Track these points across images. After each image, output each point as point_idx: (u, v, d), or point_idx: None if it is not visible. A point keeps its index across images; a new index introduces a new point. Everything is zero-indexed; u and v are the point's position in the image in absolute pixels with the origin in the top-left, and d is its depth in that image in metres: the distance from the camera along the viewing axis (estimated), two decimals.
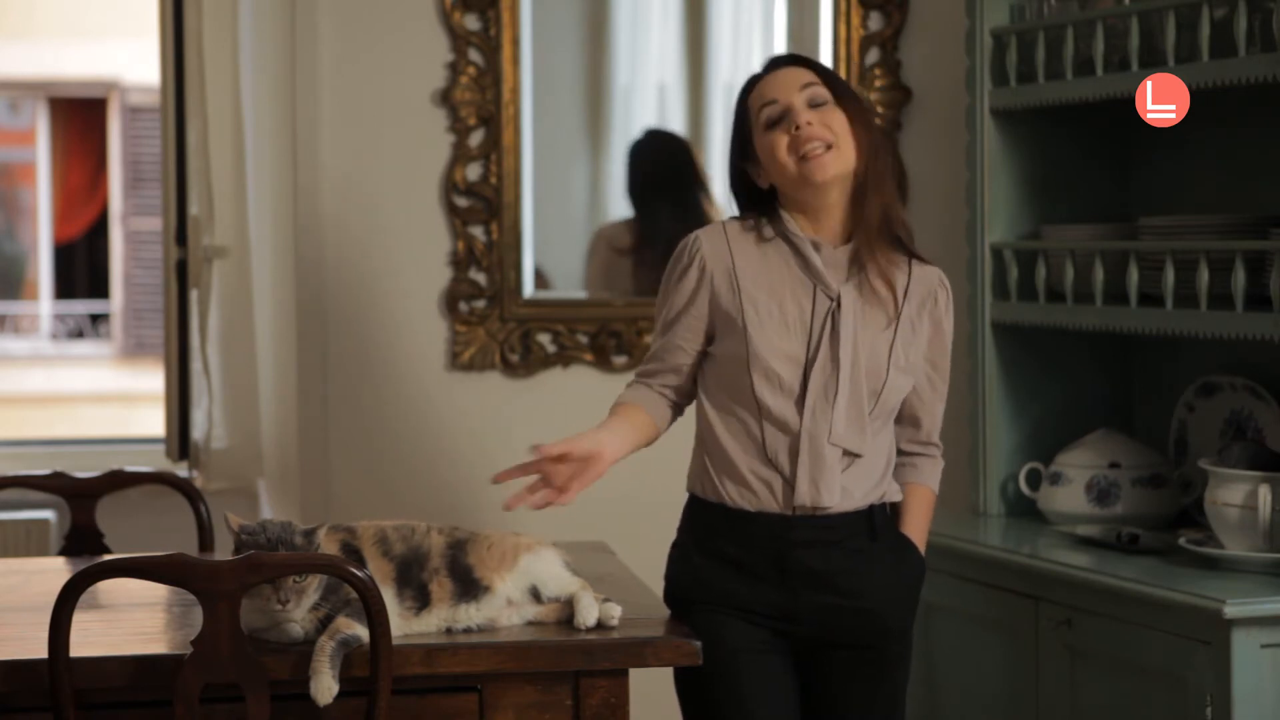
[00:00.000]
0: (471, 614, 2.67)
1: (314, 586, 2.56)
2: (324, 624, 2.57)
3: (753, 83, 2.87)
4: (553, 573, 2.73)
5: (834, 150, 2.78)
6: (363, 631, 2.54)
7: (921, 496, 2.94)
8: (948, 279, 2.91)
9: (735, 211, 2.96)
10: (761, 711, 2.79)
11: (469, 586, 2.67)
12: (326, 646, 2.52)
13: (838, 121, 2.79)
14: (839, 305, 2.78)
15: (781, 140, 2.80)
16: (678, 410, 2.94)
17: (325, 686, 2.49)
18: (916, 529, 2.91)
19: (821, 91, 2.81)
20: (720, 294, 2.83)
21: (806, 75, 2.83)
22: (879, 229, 2.81)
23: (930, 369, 2.89)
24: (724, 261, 2.84)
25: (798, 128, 2.78)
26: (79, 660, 2.49)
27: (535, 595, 2.72)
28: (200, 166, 4.23)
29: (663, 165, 4.48)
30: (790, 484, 2.78)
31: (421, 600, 2.65)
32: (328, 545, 2.64)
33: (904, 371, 2.83)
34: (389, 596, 2.63)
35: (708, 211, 4.43)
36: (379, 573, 2.63)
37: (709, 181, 4.45)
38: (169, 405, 4.35)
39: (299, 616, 2.56)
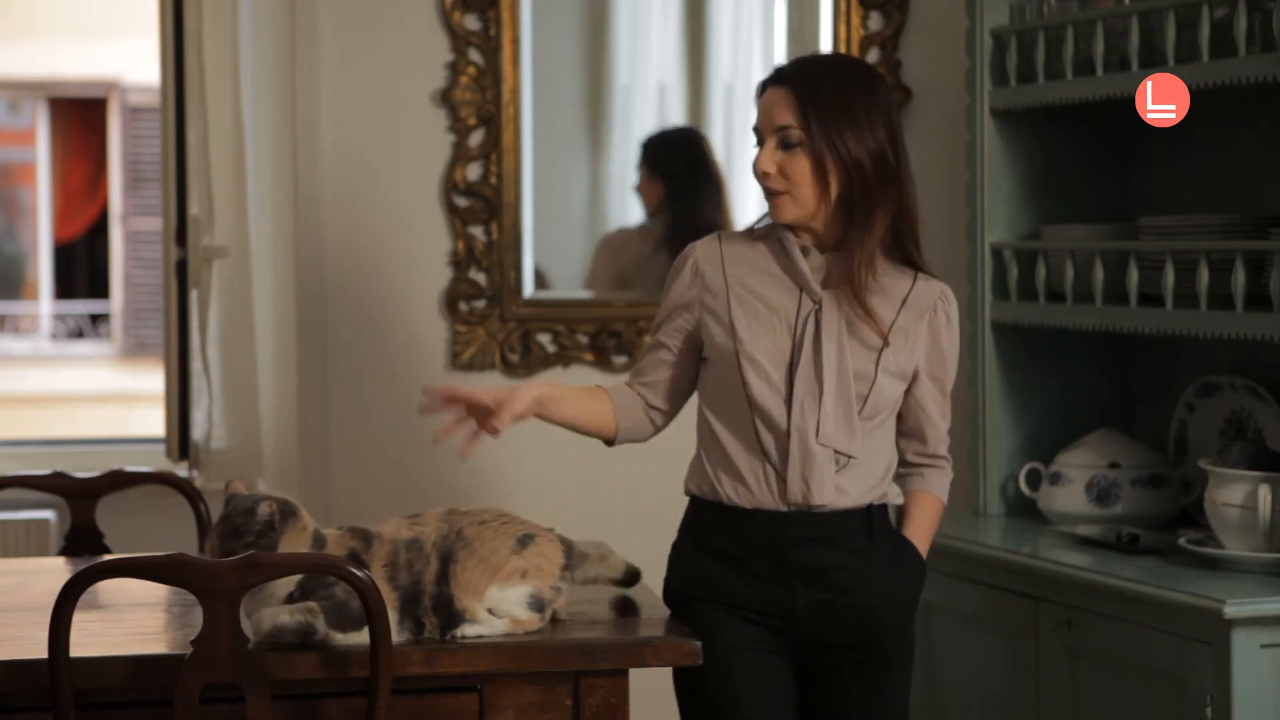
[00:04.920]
0: (456, 636, 2.66)
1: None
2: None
3: (760, 89, 2.85)
4: (507, 610, 2.71)
5: (789, 197, 2.78)
6: (321, 627, 2.55)
7: (927, 503, 2.93)
8: (953, 295, 2.90)
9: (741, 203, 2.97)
10: (758, 710, 2.79)
11: (451, 618, 2.65)
12: (281, 614, 2.53)
13: (800, 169, 2.77)
14: (821, 308, 2.79)
15: (757, 165, 2.82)
16: (655, 416, 2.93)
17: (260, 629, 2.54)
18: (919, 534, 2.91)
19: (793, 134, 2.76)
20: (711, 292, 2.84)
21: (785, 111, 2.77)
22: (867, 262, 2.78)
23: (931, 382, 2.88)
24: (715, 261, 2.86)
25: (755, 172, 2.80)
26: (79, 660, 2.49)
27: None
28: (200, 166, 4.23)
29: (679, 160, 4.48)
30: (784, 480, 2.78)
31: (416, 632, 2.64)
32: (336, 548, 2.63)
33: (894, 376, 2.83)
34: (392, 622, 2.62)
35: (724, 204, 4.44)
36: (386, 599, 2.62)
37: (722, 174, 4.46)
38: (169, 405, 4.35)
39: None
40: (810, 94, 2.77)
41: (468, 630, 2.65)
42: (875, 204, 2.78)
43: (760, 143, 2.82)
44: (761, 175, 2.79)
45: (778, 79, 2.82)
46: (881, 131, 2.78)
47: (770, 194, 2.80)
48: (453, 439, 2.83)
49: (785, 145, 2.78)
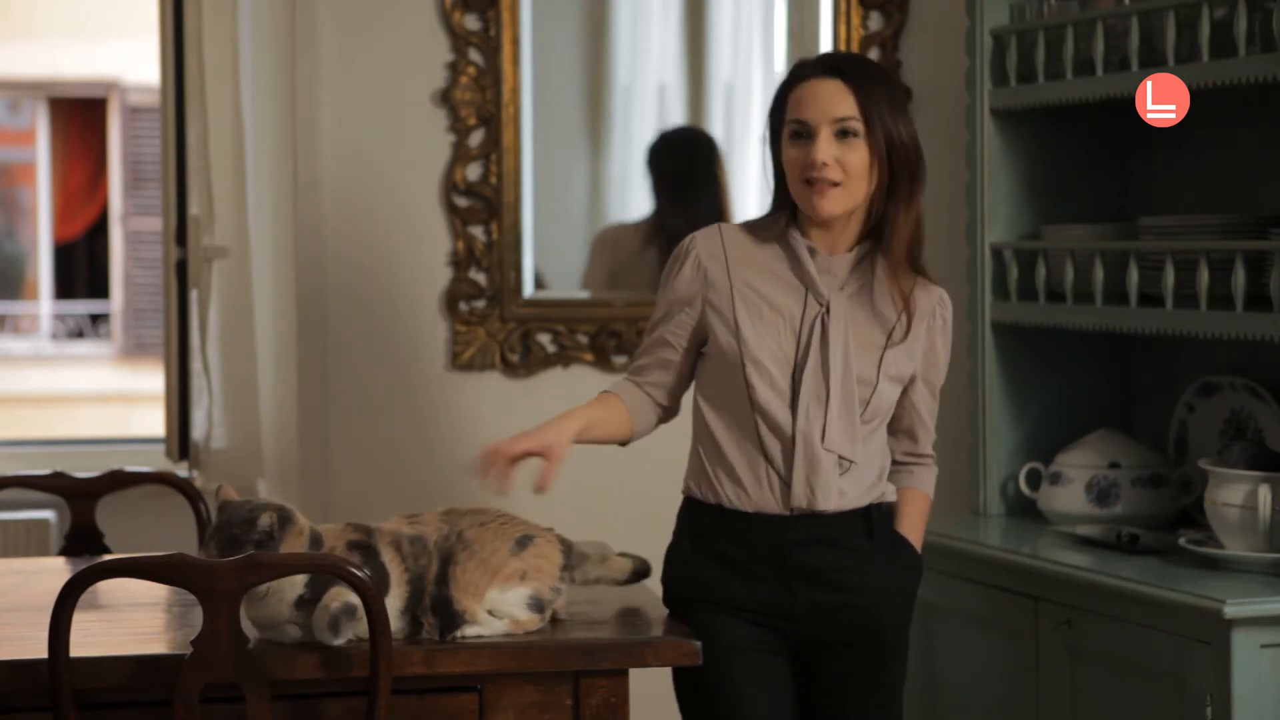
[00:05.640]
0: (455, 638, 2.66)
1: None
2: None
3: (794, 81, 2.82)
4: (507, 611, 2.71)
5: (841, 189, 2.77)
6: (355, 599, 2.54)
7: (918, 500, 2.95)
8: (949, 299, 2.91)
9: (742, 207, 2.95)
10: (758, 711, 2.79)
11: (451, 619, 2.65)
12: (324, 617, 2.52)
13: (857, 159, 2.76)
14: (828, 311, 2.79)
15: (798, 159, 2.78)
16: (663, 414, 2.93)
17: (322, 632, 2.54)
18: (912, 530, 2.92)
19: (854, 124, 2.76)
20: (715, 288, 2.83)
21: (844, 102, 2.76)
22: (903, 255, 2.80)
23: (925, 386, 2.90)
24: (718, 259, 2.84)
25: (813, 164, 2.76)
26: (79, 660, 2.49)
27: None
28: (200, 166, 4.23)
29: (687, 161, 4.48)
30: (787, 484, 2.78)
31: (415, 630, 2.64)
32: (334, 540, 2.63)
33: (894, 381, 2.84)
34: (397, 604, 2.62)
35: (725, 206, 4.43)
36: (396, 578, 2.62)
37: (724, 173, 4.46)
38: (169, 405, 4.35)
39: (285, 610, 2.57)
40: (868, 86, 2.77)
41: (467, 631, 2.65)
42: (915, 196, 2.81)
43: (801, 135, 2.78)
44: (820, 166, 2.75)
45: (829, 70, 2.79)
46: (913, 127, 2.82)
47: (818, 186, 2.76)
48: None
49: (844, 135, 2.76)
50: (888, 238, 2.80)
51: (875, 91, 2.77)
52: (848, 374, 2.78)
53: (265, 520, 2.58)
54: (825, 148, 2.76)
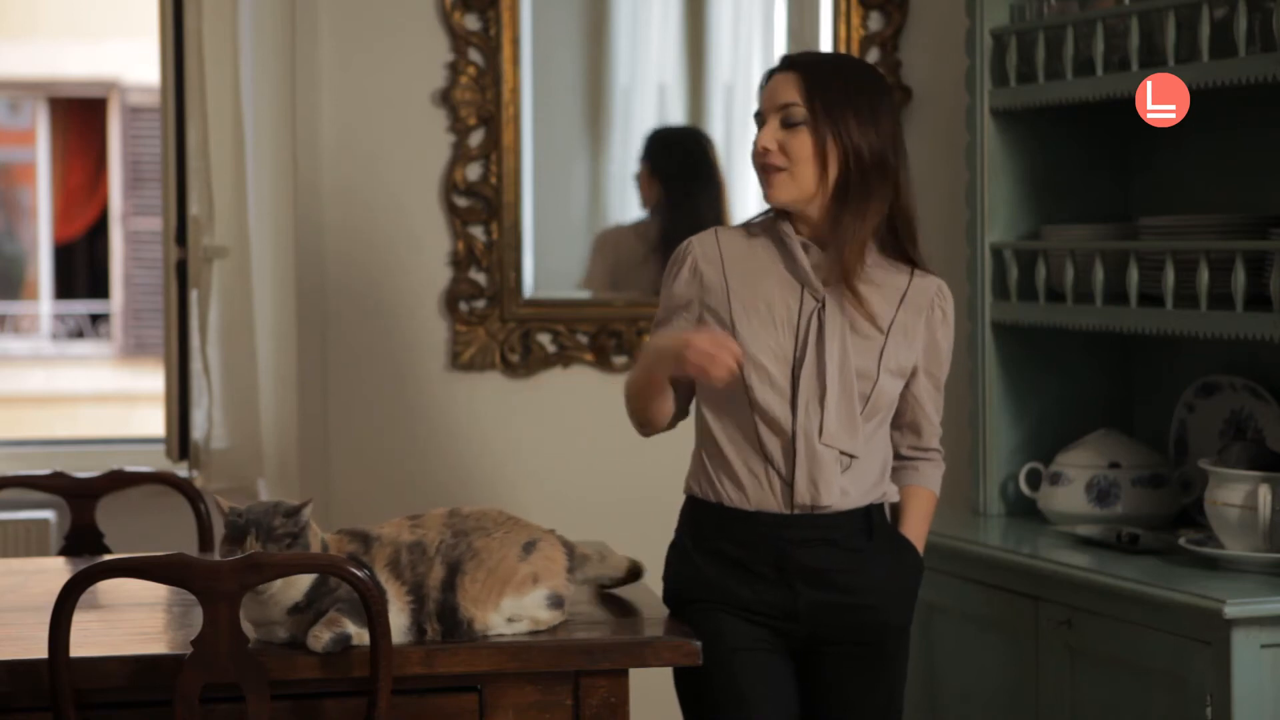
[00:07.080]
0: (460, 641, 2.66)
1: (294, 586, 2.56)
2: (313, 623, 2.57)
3: (765, 80, 2.87)
4: (528, 614, 2.71)
5: (786, 175, 2.79)
6: (352, 628, 2.54)
7: (922, 498, 2.95)
8: (949, 290, 2.91)
9: (743, 206, 2.95)
10: (760, 710, 2.80)
11: (454, 626, 2.65)
12: (323, 638, 2.52)
13: (802, 147, 2.78)
14: (824, 306, 2.79)
15: (756, 143, 2.83)
16: (672, 419, 2.93)
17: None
18: (915, 529, 2.92)
19: (797, 111, 2.78)
20: (711, 290, 2.84)
21: (791, 90, 2.79)
22: (856, 251, 2.78)
23: (927, 379, 2.90)
24: (714, 260, 2.85)
25: (756, 149, 2.81)
26: (79, 660, 2.49)
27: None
28: (200, 166, 4.23)
29: (684, 160, 4.48)
30: (788, 483, 2.78)
31: (418, 636, 2.64)
32: (335, 552, 2.63)
33: (894, 375, 2.84)
34: (402, 620, 2.62)
35: (723, 208, 4.43)
36: (396, 595, 2.62)
37: (722, 173, 4.46)
38: (169, 405, 4.35)
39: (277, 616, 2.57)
40: (816, 77, 2.80)
41: (476, 639, 2.65)
42: (870, 195, 2.78)
43: (761, 125, 2.83)
44: (761, 152, 2.79)
45: (784, 65, 2.84)
46: (884, 130, 2.80)
47: (768, 172, 2.80)
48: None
49: (788, 123, 2.78)
50: (835, 240, 2.79)
51: (828, 86, 2.79)
52: (845, 367, 2.79)
53: (307, 512, 2.58)
54: (769, 133, 2.80)
